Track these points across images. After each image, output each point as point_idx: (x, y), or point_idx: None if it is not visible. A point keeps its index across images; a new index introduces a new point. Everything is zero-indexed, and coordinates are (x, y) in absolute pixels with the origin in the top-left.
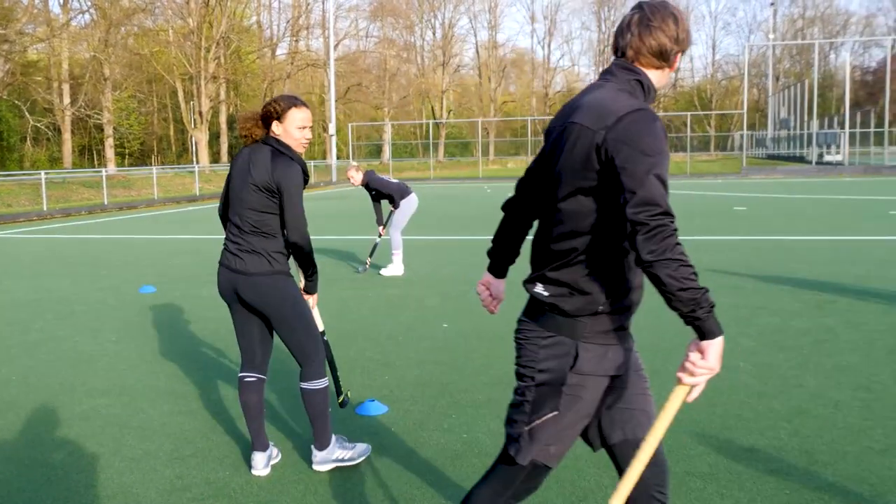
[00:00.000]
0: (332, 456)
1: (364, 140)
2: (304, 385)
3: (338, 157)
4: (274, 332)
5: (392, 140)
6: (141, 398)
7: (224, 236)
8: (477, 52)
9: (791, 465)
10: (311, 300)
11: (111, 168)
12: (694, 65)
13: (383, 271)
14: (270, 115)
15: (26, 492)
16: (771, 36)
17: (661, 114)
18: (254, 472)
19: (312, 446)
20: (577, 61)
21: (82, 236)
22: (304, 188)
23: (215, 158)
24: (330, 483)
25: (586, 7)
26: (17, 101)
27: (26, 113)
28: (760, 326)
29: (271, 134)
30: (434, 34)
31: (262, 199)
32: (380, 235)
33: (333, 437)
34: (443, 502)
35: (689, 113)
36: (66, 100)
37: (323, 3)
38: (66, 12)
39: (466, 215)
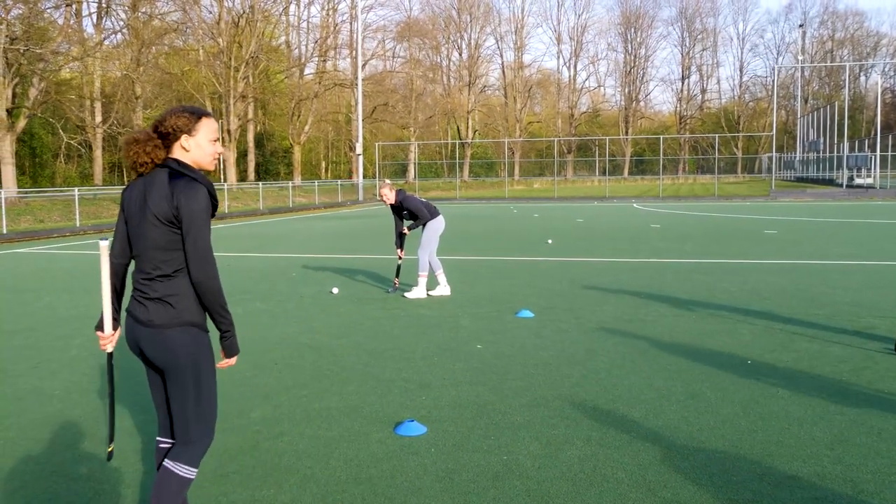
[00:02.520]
0: None
1: (390, 159)
2: (171, 465)
3: (364, 177)
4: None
5: (417, 160)
6: None
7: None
8: (503, 72)
9: (836, 494)
10: (228, 363)
11: None
12: (721, 86)
13: (407, 294)
14: (177, 130)
15: None
16: (800, 58)
17: (687, 135)
18: None
19: None
20: (603, 82)
21: None
22: (214, 215)
23: (242, 176)
24: (372, 502)
25: (613, 28)
26: (50, 119)
27: (60, 130)
28: (798, 352)
29: (173, 153)
30: (460, 55)
31: (166, 234)
32: (400, 258)
33: None
34: None
35: (716, 135)
36: (98, 118)
37: (351, 23)
38: (100, 32)
39: (495, 236)
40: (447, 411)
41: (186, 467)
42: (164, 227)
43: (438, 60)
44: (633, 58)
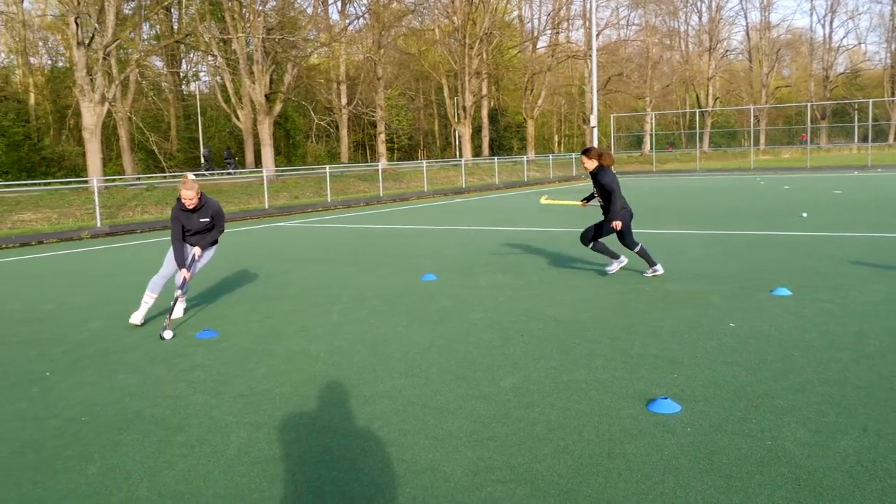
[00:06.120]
0: None
1: (624, 131)
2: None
3: None
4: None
5: (654, 130)
6: (436, 381)
7: None
8: (747, 34)
9: None
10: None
11: (383, 162)
12: None
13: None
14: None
15: (346, 459)
16: None
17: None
18: None
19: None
20: (864, 38)
21: (363, 226)
22: None
23: (477, 152)
24: (628, 477)
25: None
26: (302, 102)
27: (311, 112)
28: None
29: None
30: (700, 18)
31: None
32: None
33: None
34: None
35: None
36: (343, 99)
37: None
38: (344, 18)
39: (740, 209)
40: (701, 390)
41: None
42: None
43: (676, 26)
44: None
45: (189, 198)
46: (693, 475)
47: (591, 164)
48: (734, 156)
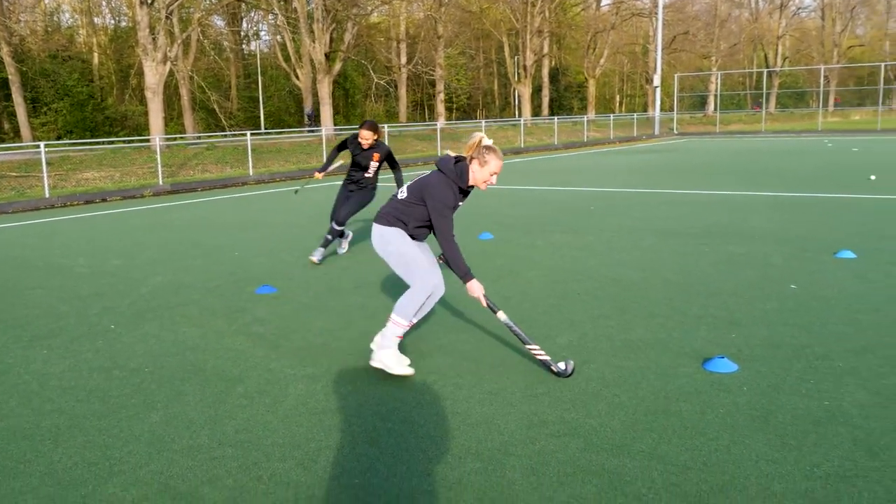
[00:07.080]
0: None
1: (688, 91)
2: None
3: (661, 110)
4: None
5: (719, 91)
6: (491, 337)
7: None
8: None
9: None
10: None
11: (441, 122)
12: None
13: None
14: None
15: (401, 411)
16: None
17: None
18: None
19: None
20: None
21: None
22: None
23: (536, 112)
24: (682, 434)
25: None
26: (362, 61)
27: (370, 71)
28: None
29: None
30: None
31: None
32: None
33: None
34: (809, 468)
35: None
36: (403, 58)
37: None
38: None
39: (806, 171)
40: (759, 350)
41: None
42: None
43: None
44: None
45: (499, 171)
46: (748, 433)
47: (374, 137)
48: (801, 117)
